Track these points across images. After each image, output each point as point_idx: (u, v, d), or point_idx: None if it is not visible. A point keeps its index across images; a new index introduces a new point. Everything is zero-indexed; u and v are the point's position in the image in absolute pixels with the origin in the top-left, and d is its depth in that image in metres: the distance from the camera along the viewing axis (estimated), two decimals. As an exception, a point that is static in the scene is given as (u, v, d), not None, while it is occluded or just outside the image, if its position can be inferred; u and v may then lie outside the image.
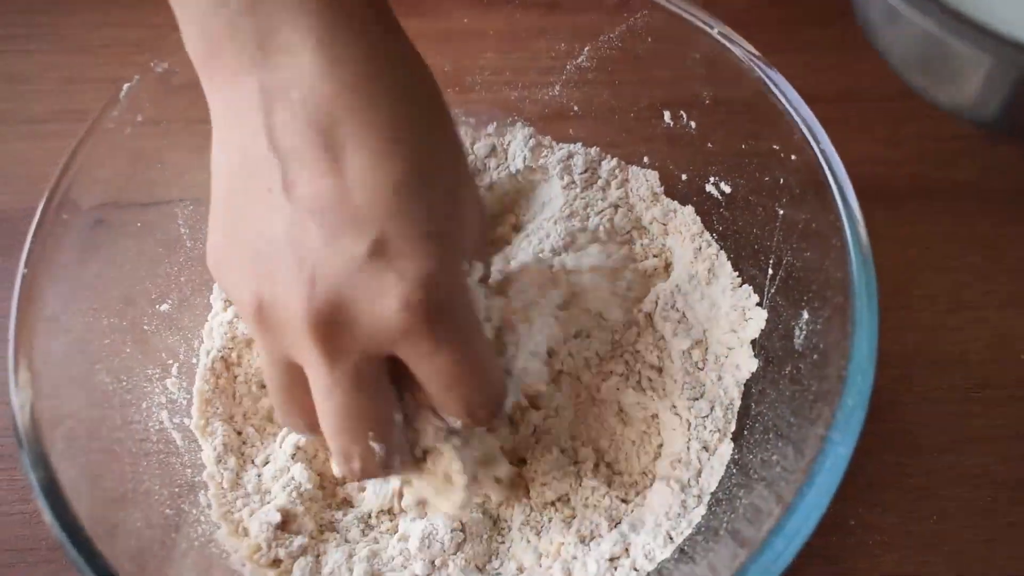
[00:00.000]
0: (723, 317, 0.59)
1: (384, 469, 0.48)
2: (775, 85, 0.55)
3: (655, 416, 0.59)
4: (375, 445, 0.47)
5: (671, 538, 0.53)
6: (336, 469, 0.49)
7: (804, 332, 0.53)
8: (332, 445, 0.47)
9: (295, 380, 0.47)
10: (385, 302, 0.43)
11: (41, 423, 0.49)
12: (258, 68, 0.44)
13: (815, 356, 0.51)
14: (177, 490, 0.56)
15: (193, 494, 0.56)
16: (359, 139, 0.43)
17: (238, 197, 0.45)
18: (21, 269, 0.53)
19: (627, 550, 0.54)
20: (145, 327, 0.59)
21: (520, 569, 0.55)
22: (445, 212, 0.46)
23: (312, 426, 0.48)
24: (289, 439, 0.58)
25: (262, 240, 0.44)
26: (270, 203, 0.44)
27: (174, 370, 0.60)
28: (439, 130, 0.48)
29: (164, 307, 0.60)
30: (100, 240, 0.58)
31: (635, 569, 0.53)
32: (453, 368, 0.46)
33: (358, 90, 0.44)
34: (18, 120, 0.75)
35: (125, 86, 0.57)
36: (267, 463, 0.59)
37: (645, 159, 0.66)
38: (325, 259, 0.43)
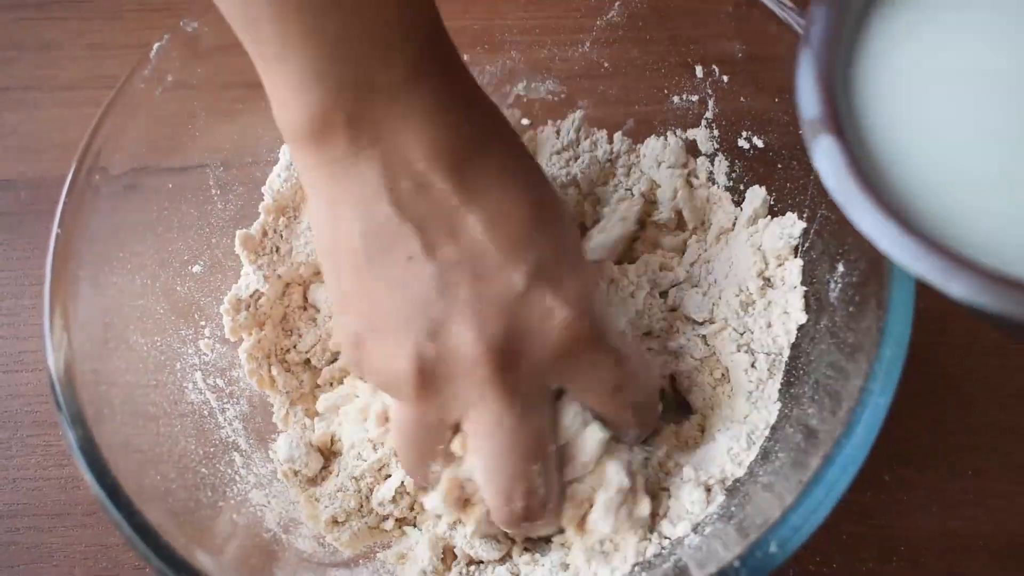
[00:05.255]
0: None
1: (542, 509, 0.49)
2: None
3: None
4: (538, 480, 0.48)
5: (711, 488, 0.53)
6: (497, 516, 0.50)
7: (839, 285, 0.52)
8: (492, 488, 0.49)
9: (436, 436, 0.49)
10: (552, 323, 0.46)
11: (77, 384, 0.50)
12: (374, 146, 0.45)
13: (851, 308, 0.51)
14: (212, 450, 0.56)
15: (228, 454, 0.57)
16: (487, 192, 0.47)
17: (372, 271, 0.47)
18: (55, 231, 0.53)
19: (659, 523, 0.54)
20: (178, 288, 0.59)
21: None
22: (571, 237, 0.50)
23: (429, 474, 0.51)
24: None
25: (413, 306, 0.46)
26: (413, 270, 0.46)
27: (207, 331, 0.60)
28: (537, 167, 0.51)
29: (196, 268, 0.60)
30: (132, 203, 0.58)
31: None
32: (616, 372, 0.50)
33: (472, 148, 0.47)
34: (52, 87, 0.76)
35: (155, 45, 0.57)
36: None
37: (676, 114, 0.65)
38: (488, 300, 0.46)
